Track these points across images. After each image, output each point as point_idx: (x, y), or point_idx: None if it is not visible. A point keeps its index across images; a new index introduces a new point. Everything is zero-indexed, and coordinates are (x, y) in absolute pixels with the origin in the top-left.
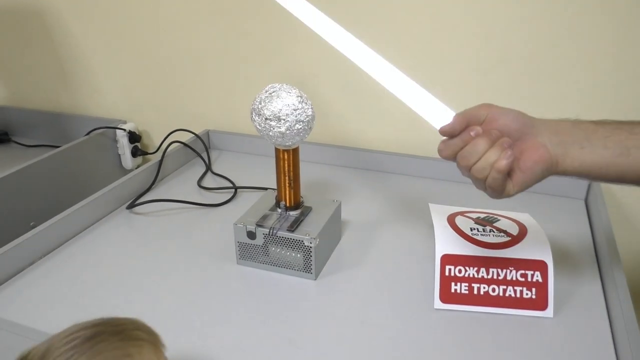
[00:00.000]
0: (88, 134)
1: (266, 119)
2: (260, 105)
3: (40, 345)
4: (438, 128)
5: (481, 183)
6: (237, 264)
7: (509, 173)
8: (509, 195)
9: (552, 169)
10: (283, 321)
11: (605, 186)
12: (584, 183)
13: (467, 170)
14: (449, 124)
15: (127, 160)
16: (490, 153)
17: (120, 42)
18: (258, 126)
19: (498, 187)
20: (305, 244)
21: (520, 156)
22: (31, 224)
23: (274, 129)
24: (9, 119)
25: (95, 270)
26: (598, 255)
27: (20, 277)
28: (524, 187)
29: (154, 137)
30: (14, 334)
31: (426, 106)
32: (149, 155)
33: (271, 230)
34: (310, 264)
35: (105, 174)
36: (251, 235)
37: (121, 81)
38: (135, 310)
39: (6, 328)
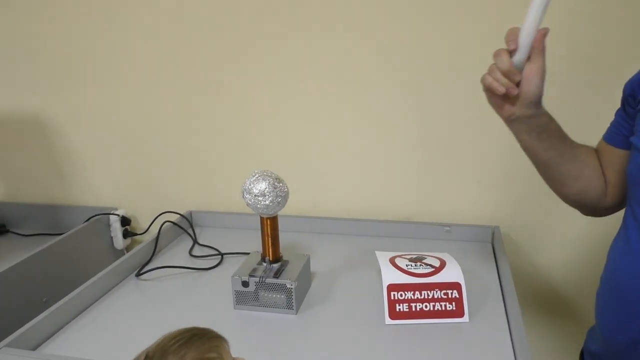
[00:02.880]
0: (87, 220)
1: (255, 195)
2: (250, 186)
3: (153, 347)
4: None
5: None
6: (234, 309)
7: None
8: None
9: (530, 107)
10: (274, 347)
11: (505, 232)
12: (490, 231)
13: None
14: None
15: (119, 242)
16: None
17: (109, 139)
18: (249, 201)
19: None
20: (287, 286)
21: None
22: (44, 300)
23: (260, 202)
24: (6, 213)
25: (117, 328)
26: (500, 279)
27: (51, 340)
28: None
29: (140, 221)
30: None
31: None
32: (137, 237)
33: (260, 279)
34: (291, 302)
35: (100, 254)
36: (245, 284)
37: (110, 174)
38: None
39: None
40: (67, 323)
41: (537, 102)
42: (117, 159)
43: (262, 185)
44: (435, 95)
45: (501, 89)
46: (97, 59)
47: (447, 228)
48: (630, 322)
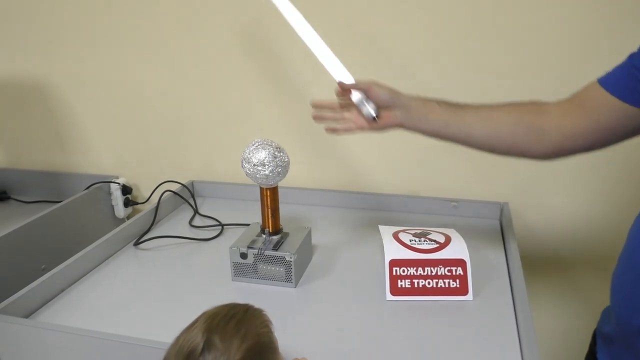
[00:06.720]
0: (87, 188)
1: (254, 165)
2: (249, 155)
3: (203, 325)
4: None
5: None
6: (232, 280)
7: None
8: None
9: (400, 127)
10: (273, 319)
11: (514, 209)
12: (498, 208)
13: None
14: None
15: (120, 211)
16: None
17: (111, 107)
18: (248, 171)
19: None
20: (287, 259)
21: (383, 115)
22: (42, 267)
23: (260, 172)
24: (7, 180)
25: (113, 296)
26: (507, 257)
27: (46, 307)
28: (380, 130)
29: (142, 190)
30: None
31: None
32: (138, 206)
33: (259, 251)
34: (290, 275)
35: (100, 222)
36: (243, 255)
37: (112, 142)
38: (154, 325)
39: None
40: (63, 290)
41: (394, 97)
42: (118, 127)
43: (261, 155)
44: (443, 66)
45: (371, 115)
46: (98, 25)
47: (454, 203)
48: None
